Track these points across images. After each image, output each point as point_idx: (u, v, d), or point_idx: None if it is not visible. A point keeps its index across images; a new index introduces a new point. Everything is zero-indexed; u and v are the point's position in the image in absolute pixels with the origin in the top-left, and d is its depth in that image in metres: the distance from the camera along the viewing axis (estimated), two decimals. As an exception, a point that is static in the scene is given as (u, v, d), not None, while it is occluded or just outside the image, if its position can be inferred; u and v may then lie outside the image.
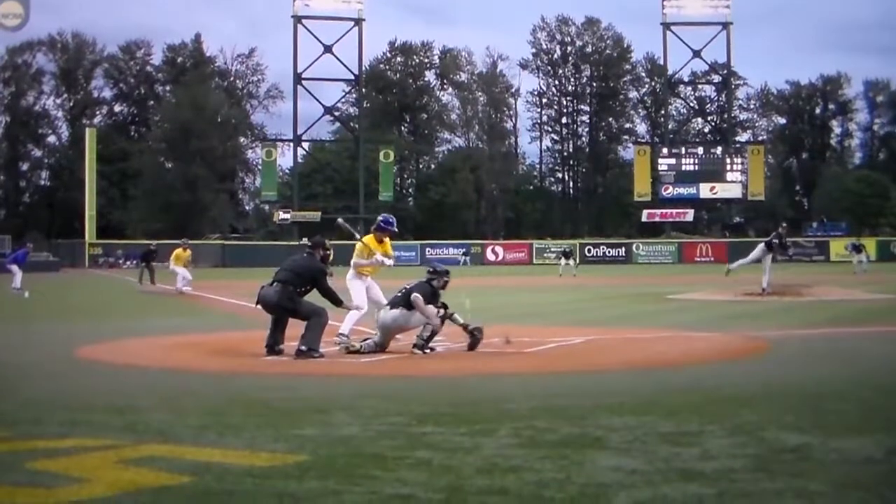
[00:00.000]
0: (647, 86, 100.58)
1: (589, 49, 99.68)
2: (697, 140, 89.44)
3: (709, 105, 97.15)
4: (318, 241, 12.07)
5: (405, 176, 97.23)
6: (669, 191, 75.60)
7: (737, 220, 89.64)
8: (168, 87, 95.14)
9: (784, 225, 27.81)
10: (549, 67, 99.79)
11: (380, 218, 12.96)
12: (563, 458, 5.12)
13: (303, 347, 10.76)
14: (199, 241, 70.83)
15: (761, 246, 24.18)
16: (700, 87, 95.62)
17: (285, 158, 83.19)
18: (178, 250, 30.42)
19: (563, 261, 43.74)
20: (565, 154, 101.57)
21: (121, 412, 6.94)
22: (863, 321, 15.62)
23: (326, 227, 75.25)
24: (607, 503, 4.27)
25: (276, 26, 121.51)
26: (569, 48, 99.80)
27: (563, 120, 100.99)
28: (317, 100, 78.78)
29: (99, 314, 20.25)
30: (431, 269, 12.30)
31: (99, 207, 73.27)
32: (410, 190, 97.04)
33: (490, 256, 69.00)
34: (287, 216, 73.89)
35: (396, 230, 13.07)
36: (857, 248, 43.58)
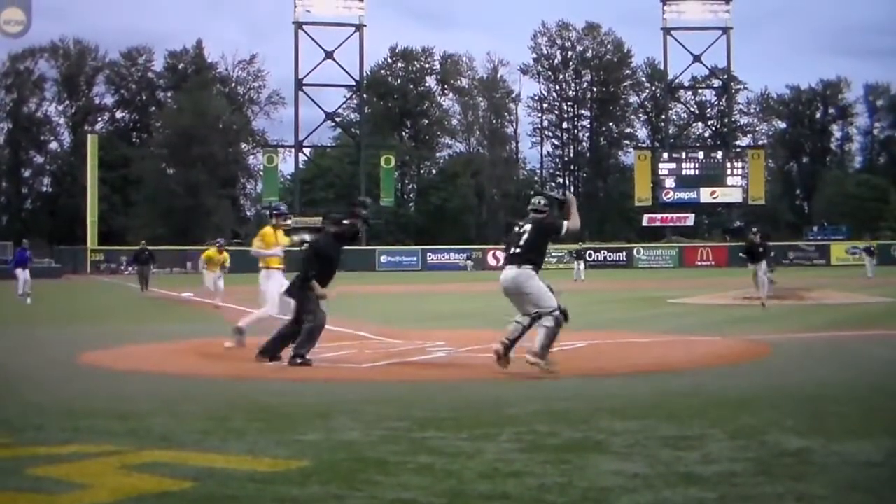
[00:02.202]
0: (647, 90, 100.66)
1: (589, 54, 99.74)
2: (698, 144, 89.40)
3: (709, 109, 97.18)
4: (335, 217, 12.06)
5: (406, 181, 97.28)
6: (670, 195, 75.56)
7: (737, 224, 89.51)
8: (169, 94, 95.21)
9: (755, 230, 25.50)
10: (550, 72, 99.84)
11: (275, 205, 13.25)
12: (565, 463, 5.12)
13: (291, 353, 10.64)
14: (200, 246, 70.88)
15: (750, 264, 22.75)
16: (700, 91, 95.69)
17: (287, 164, 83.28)
18: (212, 251, 25.71)
19: (576, 264, 43.28)
20: (566, 159, 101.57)
21: (123, 417, 6.94)
22: (863, 325, 15.62)
23: (327, 232, 75.36)
24: (608, 507, 4.28)
25: (277, 32, 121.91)
26: (569, 53, 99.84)
27: (564, 125, 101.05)
28: (318, 105, 78.86)
29: (101, 320, 20.25)
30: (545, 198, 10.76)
31: (101, 213, 73.28)
32: (412, 195, 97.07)
33: (492, 261, 68.75)
34: (288, 222, 73.84)
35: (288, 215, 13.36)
36: (870, 252, 42.31)
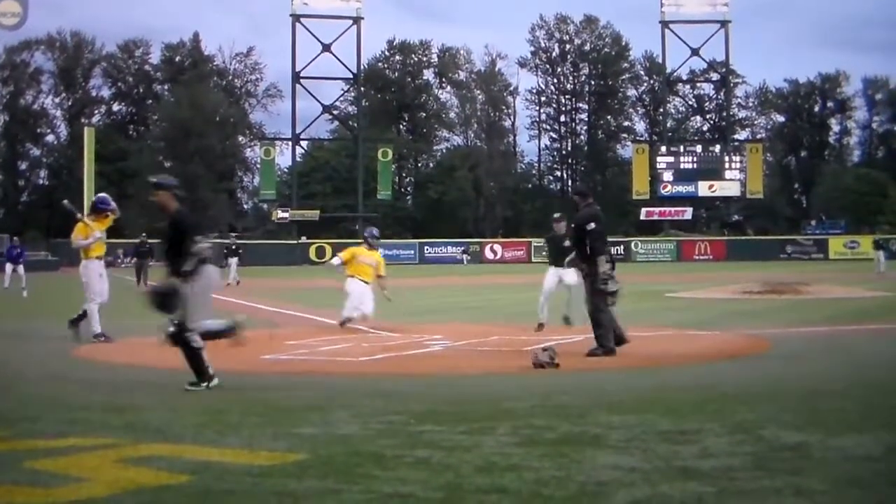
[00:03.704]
0: (645, 84, 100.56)
1: (587, 47, 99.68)
2: (696, 138, 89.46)
3: (707, 103, 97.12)
4: (584, 190, 12.15)
5: (404, 175, 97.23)
6: (668, 189, 75.59)
7: (735, 218, 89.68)
8: (166, 86, 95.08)
9: (557, 215, 14.59)
10: (548, 66, 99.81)
11: (94, 199, 13.56)
12: (562, 457, 5.11)
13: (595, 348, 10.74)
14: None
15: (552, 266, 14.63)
16: (698, 85, 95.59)
17: (284, 157, 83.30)
18: (360, 248, 15.57)
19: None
20: (564, 152, 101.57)
21: (120, 411, 6.93)
22: (862, 319, 15.63)
23: (325, 226, 75.47)
24: (606, 501, 4.27)
25: (274, 25, 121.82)
26: (567, 46, 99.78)
27: (562, 118, 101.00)
28: (315, 98, 78.93)
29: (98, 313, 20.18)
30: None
31: (98, 207, 73.18)
32: (409, 188, 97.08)
33: (489, 255, 68.98)
34: (286, 215, 73.92)
35: (112, 210, 13.52)
36: (879, 245, 40.64)
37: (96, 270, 13.16)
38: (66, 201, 14.55)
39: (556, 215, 14.64)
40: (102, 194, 14.10)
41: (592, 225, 10.88)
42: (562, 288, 13.85)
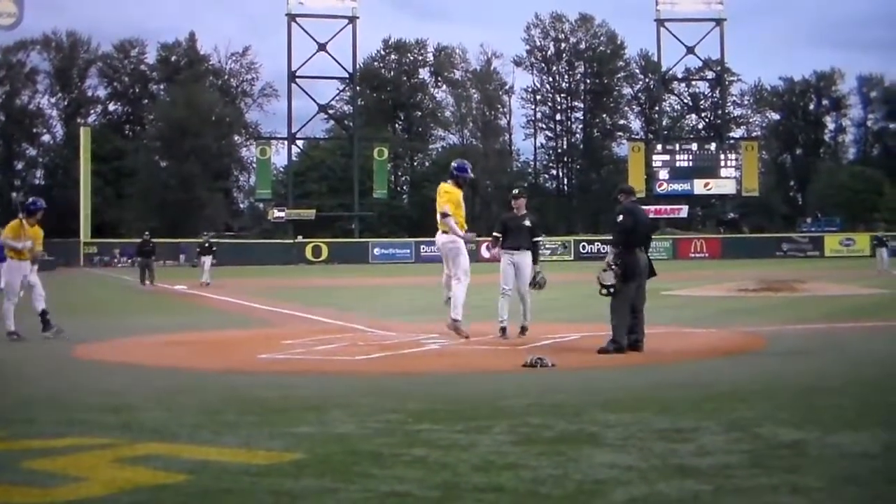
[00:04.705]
0: (640, 82, 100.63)
1: (583, 46, 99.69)
2: (691, 136, 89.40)
3: (703, 101, 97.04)
4: (628, 188, 12.13)
5: (400, 174, 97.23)
6: (664, 187, 75.55)
7: (731, 215, 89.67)
8: (162, 86, 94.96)
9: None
10: (543, 64, 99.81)
11: (28, 201, 13.64)
12: (559, 455, 5.11)
13: (606, 345, 10.75)
14: (193, 238, 70.83)
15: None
16: (694, 83, 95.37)
17: (280, 157, 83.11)
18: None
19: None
20: (559, 151, 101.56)
21: (116, 411, 6.92)
22: (858, 316, 15.65)
23: (321, 225, 75.41)
24: (603, 500, 4.27)
25: (270, 24, 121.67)
26: (563, 45, 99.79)
27: (558, 117, 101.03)
28: (311, 98, 78.70)
29: (94, 313, 20.20)
30: None
31: (94, 206, 73.01)
32: (405, 187, 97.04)
33: (485, 254, 68.83)
34: (282, 214, 73.79)
35: (44, 207, 13.63)
36: (881, 242, 38.53)
37: (21, 271, 13.25)
38: (15, 195, 14.74)
39: (515, 191, 13.82)
40: (37, 198, 14.23)
41: (620, 217, 11.24)
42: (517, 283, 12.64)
